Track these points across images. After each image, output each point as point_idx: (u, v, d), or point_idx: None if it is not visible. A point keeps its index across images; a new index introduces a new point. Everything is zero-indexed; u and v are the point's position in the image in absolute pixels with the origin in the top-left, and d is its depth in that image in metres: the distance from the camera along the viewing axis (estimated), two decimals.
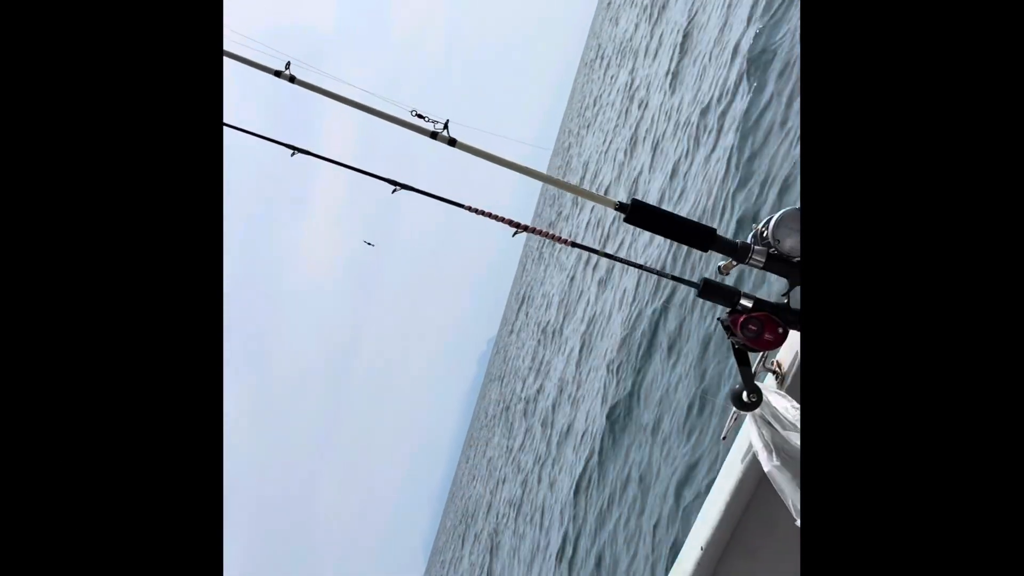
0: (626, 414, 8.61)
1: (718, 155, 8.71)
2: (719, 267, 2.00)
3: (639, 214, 1.93)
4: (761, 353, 2.02)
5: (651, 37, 18.89)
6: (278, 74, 2.28)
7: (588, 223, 19.48)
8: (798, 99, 6.41)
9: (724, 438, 2.26)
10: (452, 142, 2.11)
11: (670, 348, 7.84)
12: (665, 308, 8.73)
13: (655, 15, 19.57)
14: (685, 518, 5.82)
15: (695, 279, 1.95)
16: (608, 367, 10.14)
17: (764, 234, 1.90)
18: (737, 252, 1.91)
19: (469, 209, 2.03)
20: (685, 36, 13.79)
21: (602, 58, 33.35)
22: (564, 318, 17.42)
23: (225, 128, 2.13)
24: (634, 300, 10.34)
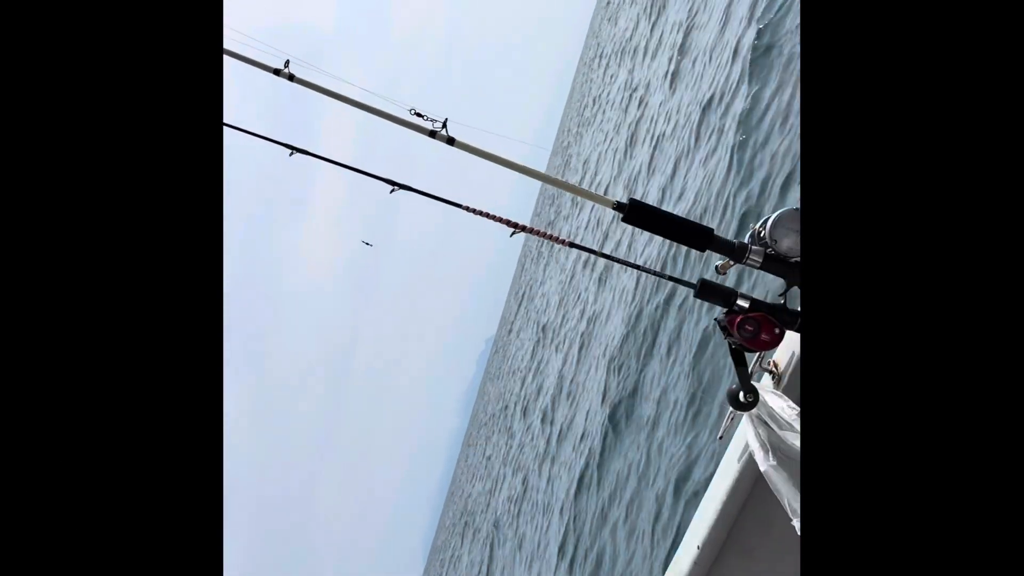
0: (626, 413, 8.62)
1: (719, 154, 8.71)
2: (717, 267, 2.01)
3: (637, 214, 1.94)
4: (758, 353, 2.03)
5: (651, 36, 18.88)
6: (277, 72, 2.28)
7: (588, 223, 19.47)
8: (799, 97, 6.42)
9: (721, 437, 2.27)
10: (451, 141, 2.11)
11: (669, 347, 7.85)
12: (664, 307, 8.74)
13: (655, 14, 19.56)
14: (683, 517, 5.83)
15: (693, 279, 1.95)
16: (607, 366, 10.14)
17: (762, 234, 1.90)
18: (735, 252, 1.92)
19: (468, 209, 2.04)
20: (685, 35, 13.79)
21: (601, 57, 33.33)
22: (563, 317, 17.42)
23: (225, 128, 2.13)
24: (633, 299, 10.35)
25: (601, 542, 7.61)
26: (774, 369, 2.18)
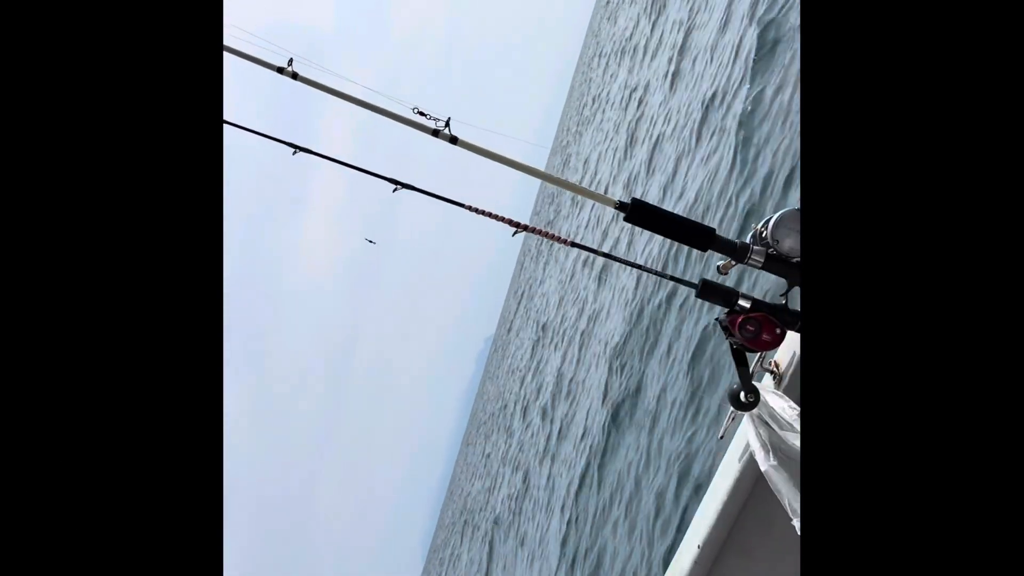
0: (626, 411, 8.62)
1: (720, 153, 8.71)
2: (718, 267, 2.01)
3: (639, 213, 1.94)
4: (759, 353, 2.03)
5: (651, 35, 18.88)
6: (280, 71, 2.28)
7: (588, 222, 19.47)
8: (799, 95, 6.41)
9: (722, 437, 2.27)
10: (453, 140, 2.11)
11: (669, 346, 7.85)
12: (665, 306, 8.74)
13: (655, 13, 19.56)
14: (683, 515, 5.83)
15: (692, 278, 1.95)
16: (607, 365, 10.14)
17: (763, 234, 1.90)
18: (736, 252, 1.91)
19: (470, 208, 2.04)
20: (686, 34, 13.78)
21: (601, 56, 33.32)
22: (563, 316, 17.43)
23: (228, 127, 2.14)
24: (634, 298, 10.35)
25: (602, 540, 7.61)
26: (775, 369, 2.18)
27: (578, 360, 12.87)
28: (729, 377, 6.04)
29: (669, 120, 12.69)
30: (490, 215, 2.03)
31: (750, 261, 1.91)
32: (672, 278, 2.07)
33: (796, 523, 1.70)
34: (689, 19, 14.01)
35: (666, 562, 5.77)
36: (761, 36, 8.34)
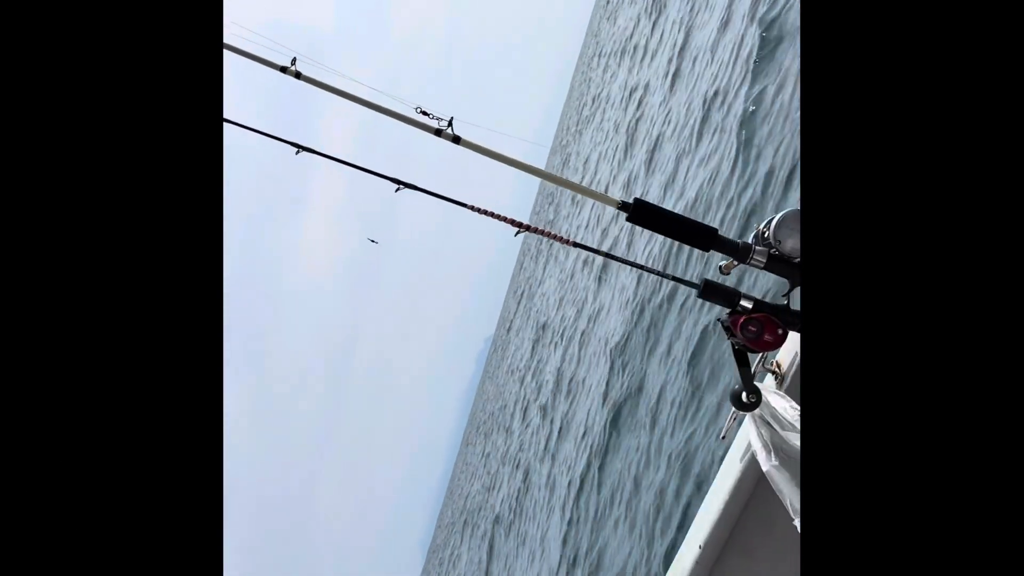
0: (626, 410, 8.62)
1: (721, 152, 8.71)
2: (720, 267, 2.00)
3: (641, 213, 1.94)
4: (761, 354, 2.02)
5: (651, 34, 18.88)
6: (284, 70, 2.28)
7: (588, 222, 19.48)
8: (799, 94, 6.41)
9: (723, 438, 2.27)
10: (456, 139, 2.11)
11: (670, 345, 7.85)
12: (665, 305, 8.74)
13: (655, 13, 19.56)
14: (684, 514, 5.83)
15: (690, 276, 1.95)
16: (607, 364, 10.14)
17: (765, 234, 1.90)
18: (738, 252, 1.91)
19: (473, 208, 2.03)
20: (686, 33, 13.78)
21: (600, 56, 33.33)
22: (562, 315, 17.43)
23: (232, 126, 2.14)
24: (635, 297, 10.35)
25: (602, 539, 7.61)
26: (777, 370, 2.17)
27: (578, 359, 12.87)
28: (728, 376, 6.04)
29: (669, 120, 12.69)
30: (493, 215, 2.03)
31: (752, 261, 1.91)
32: (674, 278, 2.07)
33: (798, 523, 1.70)
34: (690, 18, 14.01)
35: (667, 561, 5.77)
36: (762, 35, 8.34)
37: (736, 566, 2.32)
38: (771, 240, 1.89)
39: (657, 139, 13.08)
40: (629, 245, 12.46)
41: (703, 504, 2.38)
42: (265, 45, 2.24)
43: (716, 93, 9.91)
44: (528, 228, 2.06)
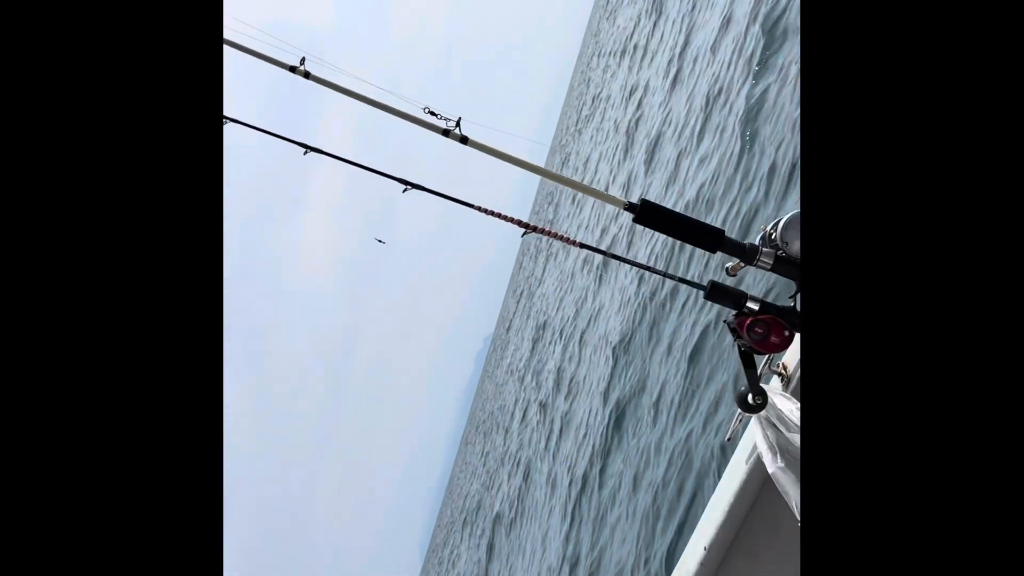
0: (626, 410, 8.62)
1: (722, 152, 8.70)
2: (727, 268, 2.00)
3: (648, 214, 1.93)
4: (767, 355, 2.01)
5: (652, 33, 18.88)
6: (293, 70, 2.28)
7: (588, 222, 19.48)
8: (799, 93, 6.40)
9: (729, 439, 2.25)
10: (464, 140, 2.10)
11: (670, 345, 7.84)
12: (665, 305, 8.73)
13: (655, 12, 19.56)
14: (684, 514, 5.82)
15: (694, 277, 1.94)
16: (607, 363, 10.14)
17: (772, 236, 1.89)
18: (745, 254, 1.90)
19: (479, 209, 2.02)
20: (687, 31, 13.78)
21: (600, 56, 33.35)
22: (562, 315, 17.43)
23: (238, 126, 2.13)
24: (636, 297, 10.35)
25: (603, 539, 7.60)
26: (783, 371, 2.16)
27: (578, 359, 12.86)
28: (727, 374, 6.04)
29: (670, 119, 12.68)
30: (500, 216, 2.02)
31: (759, 263, 1.90)
32: (681, 280, 2.06)
33: None
34: (691, 17, 14.00)
35: (668, 560, 5.76)
36: (764, 33, 8.33)
37: (741, 568, 2.31)
38: (778, 242, 1.88)
39: (657, 138, 13.08)
40: (630, 245, 12.45)
41: (708, 506, 2.37)
42: (275, 45, 2.24)
43: (718, 92, 9.90)
44: (535, 229, 2.04)
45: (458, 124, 2.09)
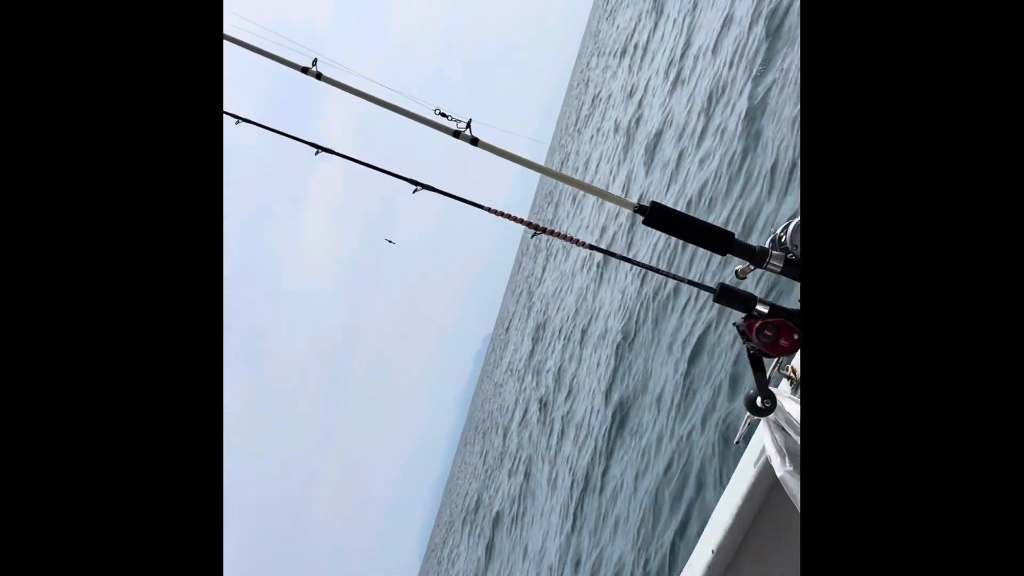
0: (626, 409, 8.61)
1: (723, 152, 8.69)
2: (736, 271, 1.99)
3: (658, 216, 1.92)
4: (776, 359, 2.00)
5: (653, 32, 18.88)
6: (305, 71, 2.27)
7: (588, 222, 19.49)
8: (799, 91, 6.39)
9: (737, 442, 2.25)
10: (474, 141, 2.10)
11: (670, 344, 7.83)
12: (665, 305, 8.73)
13: (655, 11, 19.56)
14: (685, 513, 5.81)
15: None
16: (608, 363, 10.13)
17: (782, 239, 1.88)
18: (755, 256, 1.89)
19: (490, 211, 2.02)
20: (687, 30, 13.77)
21: (600, 55, 33.36)
22: (562, 315, 17.43)
23: (248, 125, 2.12)
24: (637, 297, 10.34)
25: (604, 539, 7.60)
26: (792, 375, 2.16)
27: (579, 358, 12.86)
28: (726, 373, 6.03)
29: (671, 119, 12.67)
30: (510, 217, 2.01)
31: (769, 266, 1.89)
32: (690, 282, 2.05)
33: None
34: (692, 16, 13.99)
35: (668, 560, 5.76)
36: (766, 31, 8.32)
37: (749, 571, 2.30)
38: (788, 245, 1.87)
39: (658, 137, 13.07)
40: (630, 245, 12.45)
41: (716, 509, 2.36)
42: (287, 47, 2.23)
43: (719, 91, 9.89)
44: (545, 231, 2.03)
45: (468, 126, 2.08)
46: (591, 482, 8.84)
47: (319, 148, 2.28)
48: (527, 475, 13.93)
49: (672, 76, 13.81)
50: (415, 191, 2.10)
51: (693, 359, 6.91)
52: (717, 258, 7.41)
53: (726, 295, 1.88)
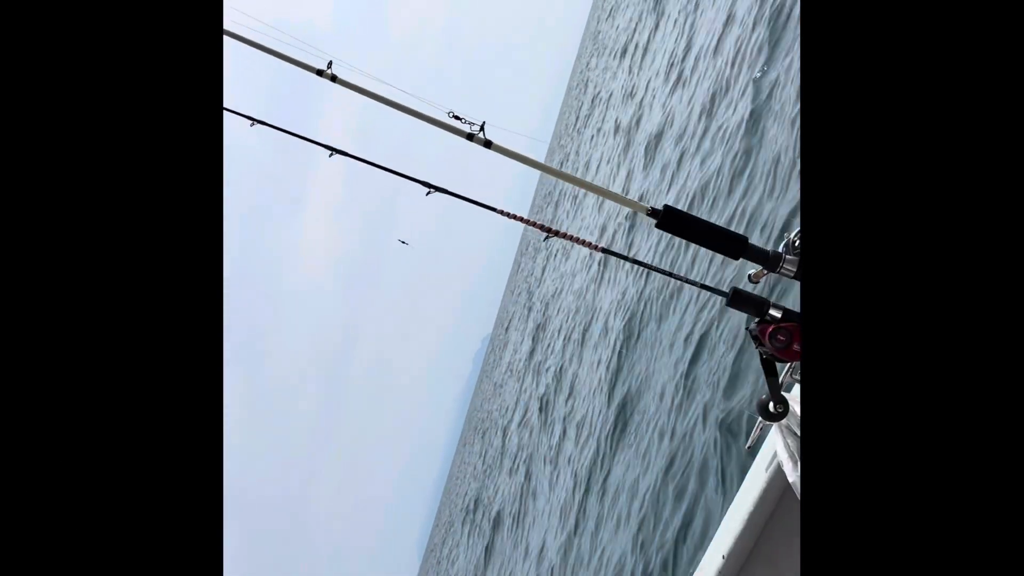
0: (627, 410, 8.60)
1: (724, 151, 8.68)
2: (749, 275, 1.97)
3: (671, 220, 1.90)
4: (789, 364, 1.98)
5: (654, 31, 18.87)
6: (320, 73, 2.26)
7: (588, 223, 19.48)
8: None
9: (749, 448, 2.23)
10: (488, 144, 2.08)
11: (671, 344, 7.83)
12: (666, 305, 8.72)
13: (655, 10, 19.55)
14: (685, 513, 5.80)
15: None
16: (608, 363, 10.13)
17: (796, 244, 1.86)
18: (768, 261, 1.88)
19: (502, 213, 2.00)
20: (688, 30, 13.76)
21: (600, 55, 33.35)
22: (562, 314, 17.43)
23: (260, 126, 2.11)
24: (638, 296, 10.33)
25: (604, 539, 7.59)
26: None
27: (579, 358, 12.85)
28: (726, 372, 6.02)
29: (671, 118, 12.66)
30: (522, 220, 2.00)
31: (782, 270, 1.87)
32: (703, 286, 2.03)
33: None
34: (694, 16, 13.98)
35: (668, 559, 5.75)
36: (768, 30, 8.31)
37: None
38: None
39: (659, 137, 13.06)
40: (630, 245, 12.44)
41: (727, 514, 2.35)
42: (296, 47, 2.22)
43: (720, 90, 9.88)
44: (558, 234, 2.02)
45: (482, 128, 2.07)
46: (592, 482, 8.83)
47: (333, 150, 2.27)
48: (527, 475, 13.92)
49: (673, 77, 13.80)
50: (428, 193, 2.09)
51: (694, 359, 6.91)
52: (718, 258, 7.41)
53: (739, 299, 1.87)
